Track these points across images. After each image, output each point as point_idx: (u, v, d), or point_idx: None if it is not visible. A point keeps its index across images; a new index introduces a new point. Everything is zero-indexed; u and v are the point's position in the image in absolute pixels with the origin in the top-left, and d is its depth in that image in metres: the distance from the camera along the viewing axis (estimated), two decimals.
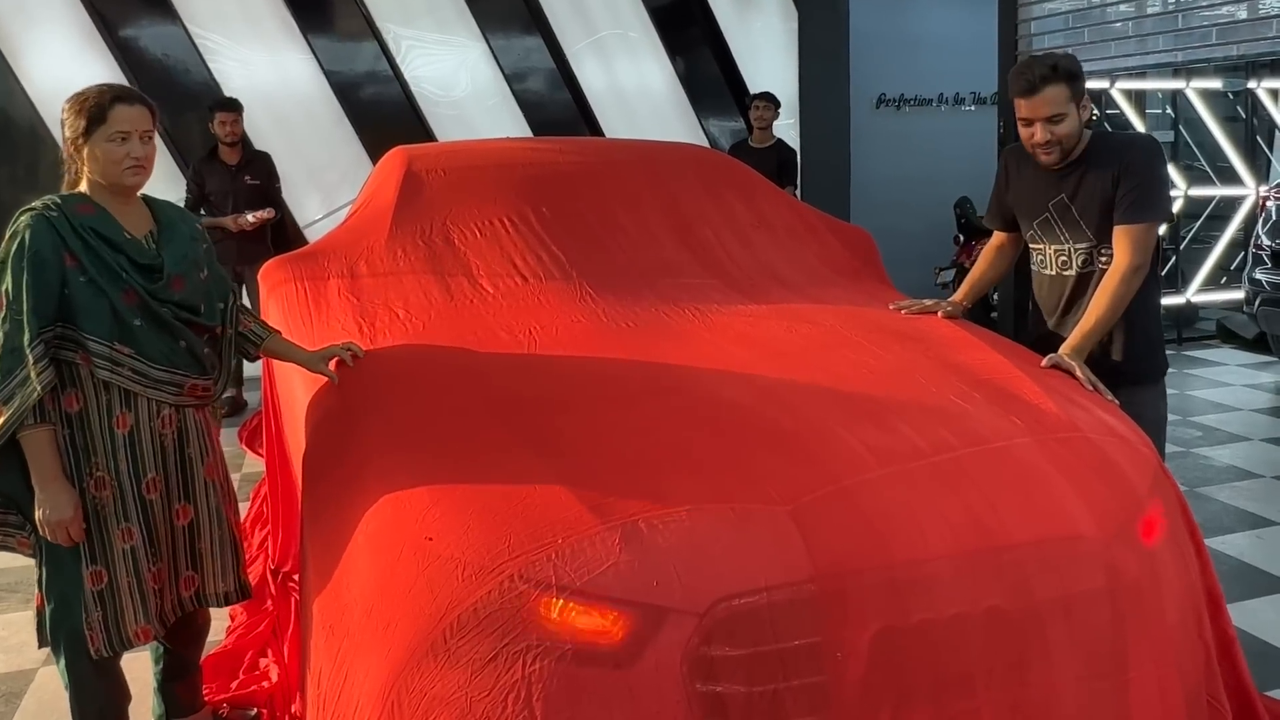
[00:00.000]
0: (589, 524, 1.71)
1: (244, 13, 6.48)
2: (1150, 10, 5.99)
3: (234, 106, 5.63)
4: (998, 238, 2.98)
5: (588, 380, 2.22)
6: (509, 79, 7.08)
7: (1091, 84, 6.61)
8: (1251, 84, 7.98)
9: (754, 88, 7.64)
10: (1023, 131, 2.63)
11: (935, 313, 2.86)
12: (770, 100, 6.34)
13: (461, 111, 6.92)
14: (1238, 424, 5.37)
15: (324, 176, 6.67)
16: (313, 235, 6.47)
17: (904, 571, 1.73)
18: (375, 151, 6.55)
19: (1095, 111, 6.95)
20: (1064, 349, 2.54)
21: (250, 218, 5.52)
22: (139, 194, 2.26)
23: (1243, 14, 5.42)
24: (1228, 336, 7.35)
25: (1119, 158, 2.58)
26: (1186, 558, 2.07)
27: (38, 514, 2.10)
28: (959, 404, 2.15)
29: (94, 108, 2.12)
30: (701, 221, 3.34)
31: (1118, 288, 2.55)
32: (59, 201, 2.13)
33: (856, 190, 7.69)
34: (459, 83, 6.98)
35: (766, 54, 7.67)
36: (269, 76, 6.55)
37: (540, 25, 7.12)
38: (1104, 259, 2.63)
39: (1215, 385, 6.19)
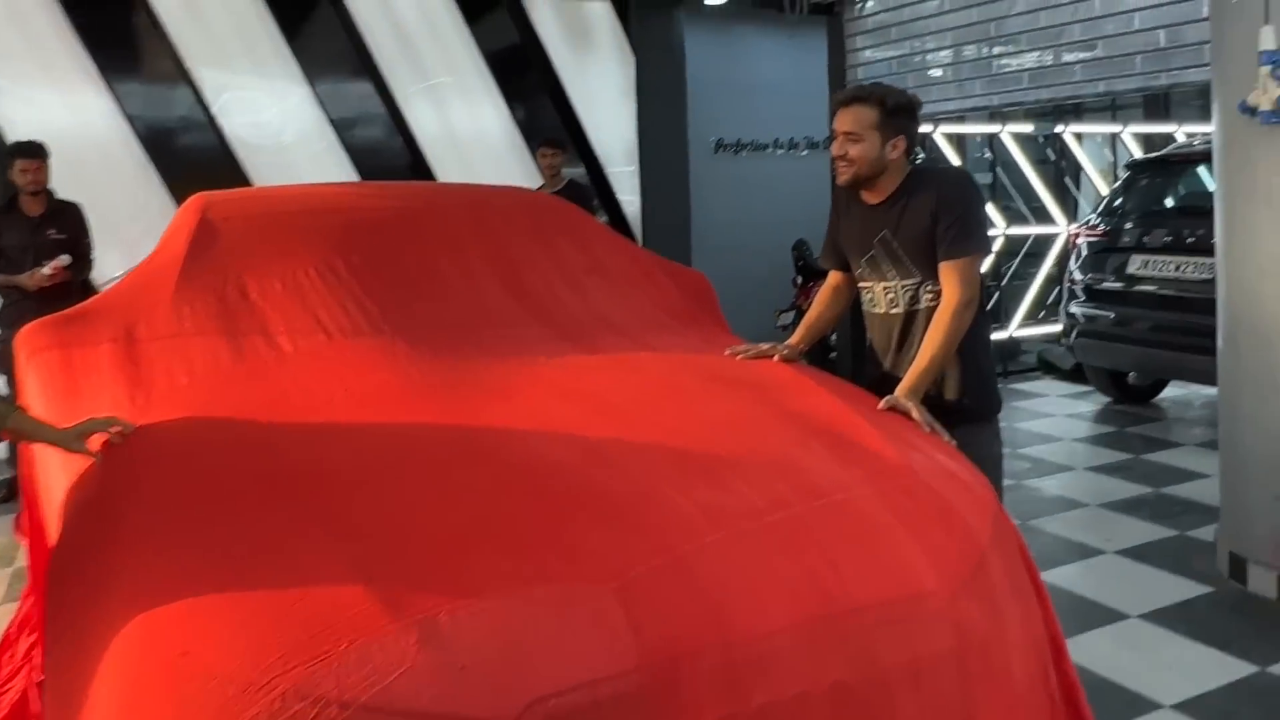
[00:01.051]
0: (380, 623, 1.46)
1: (32, 50, 5.92)
2: (967, 57, 6.27)
3: (36, 153, 5.07)
4: (833, 278, 2.92)
5: (393, 448, 1.97)
6: (336, 125, 6.74)
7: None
8: (1060, 128, 8.50)
9: (593, 133, 7.59)
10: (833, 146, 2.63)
11: (772, 357, 2.75)
12: (556, 145, 6.23)
13: (284, 159, 6.52)
14: (1063, 454, 5.56)
15: (127, 230, 6.12)
16: None
17: (742, 650, 1.56)
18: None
19: (920, 154, 7.22)
20: (899, 390, 2.47)
21: (46, 270, 4.98)
22: None
23: (1049, 60, 5.73)
24: (1048, 368, 7.71)
25: (933, 191, 2.57)
26: (1029, 606, 1.99)
27: None
28: (797, 455, 2.02)
29: None
30: (531, 268, 3.15)
31: (949, 324, 2.51)
32: None
33: (697, 235, 7.70)
34: (282, 129, 6.59)
35: (604, 99, 7.63)
36: (62, 120, 5.98)
37: (369, 70, 6.84)
38: (929, 295, 2.60)
39: (1039, 416, 6.44)
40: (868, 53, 6.75)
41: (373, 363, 2.46)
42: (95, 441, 2.12)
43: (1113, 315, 6.02)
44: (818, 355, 6.56)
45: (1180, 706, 2.84)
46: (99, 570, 1.73)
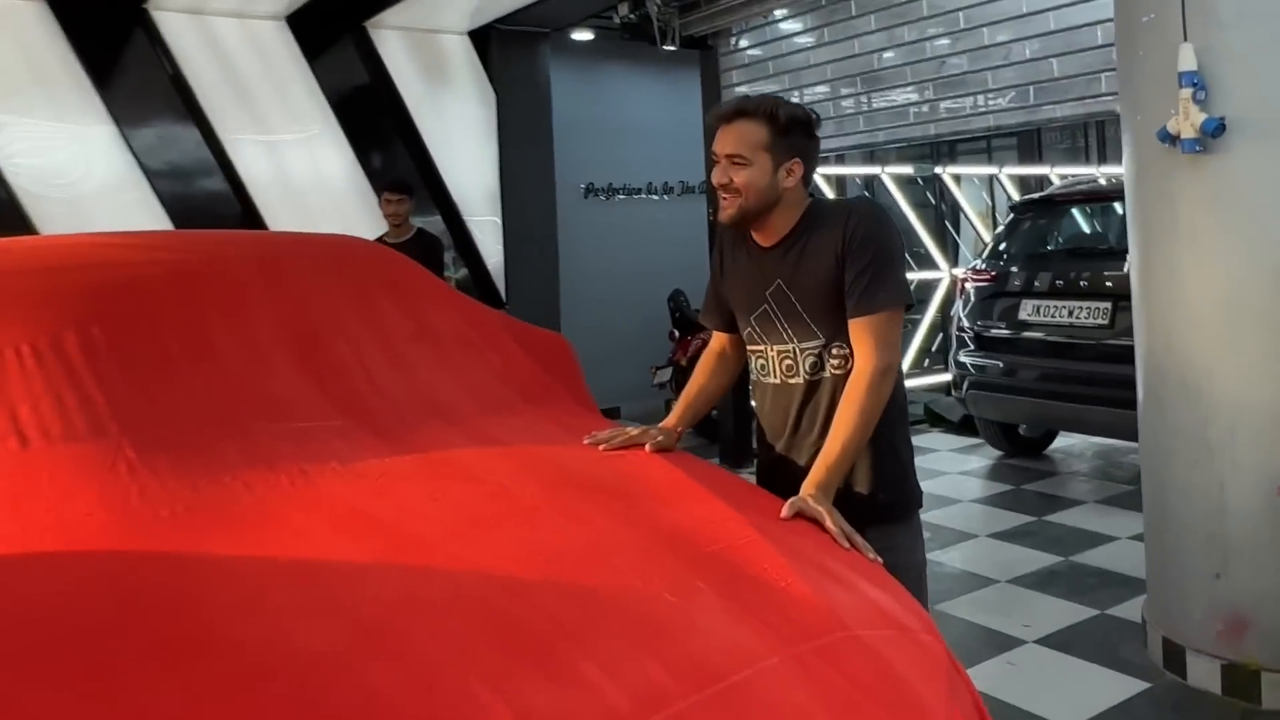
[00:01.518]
0: None
1: None
2: (844, 93, 5.93)
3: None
4: (718, 341, 2.35)
5: (66, 633, 1.26)
6: (149, 171, 5.88)
7: None
8: (939, 169, 8.34)
9: (450, 178, 6.93)
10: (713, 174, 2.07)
11: (643, 445, 2.16)
12: (400, 190, 5.38)
13: (82, 209, 5.62)
14: (961, 519, 5.15)
15: None
16: None
17: None
18: None
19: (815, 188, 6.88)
20: (806, 487, 1.91)
21: None
22: None
23: (930, 93, 5.42)
24: (935, 420, 7.37)
25: (838, 228, 2.02)
26: None
27: None
28: (678, 608, 1.42)
29: None
30: (338, 338, 2.47)
31: (864, 399, 1.97)
32: None
33: (566, 288, 7.10)
34: (80, 174, 5.69)
35: (463, 141, 6.98)
36: None
37: (191, 109, 6.02)
38: (835, 361, 2.06)
39: (933, 475, 6.02)
40: (742, 89, 6.35)
41: (81, 481, 1.73)
42: None
43: (1002, 364, 5.71)
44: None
45: None
46: None
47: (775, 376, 2.14)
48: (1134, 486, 4.91)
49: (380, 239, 5.32)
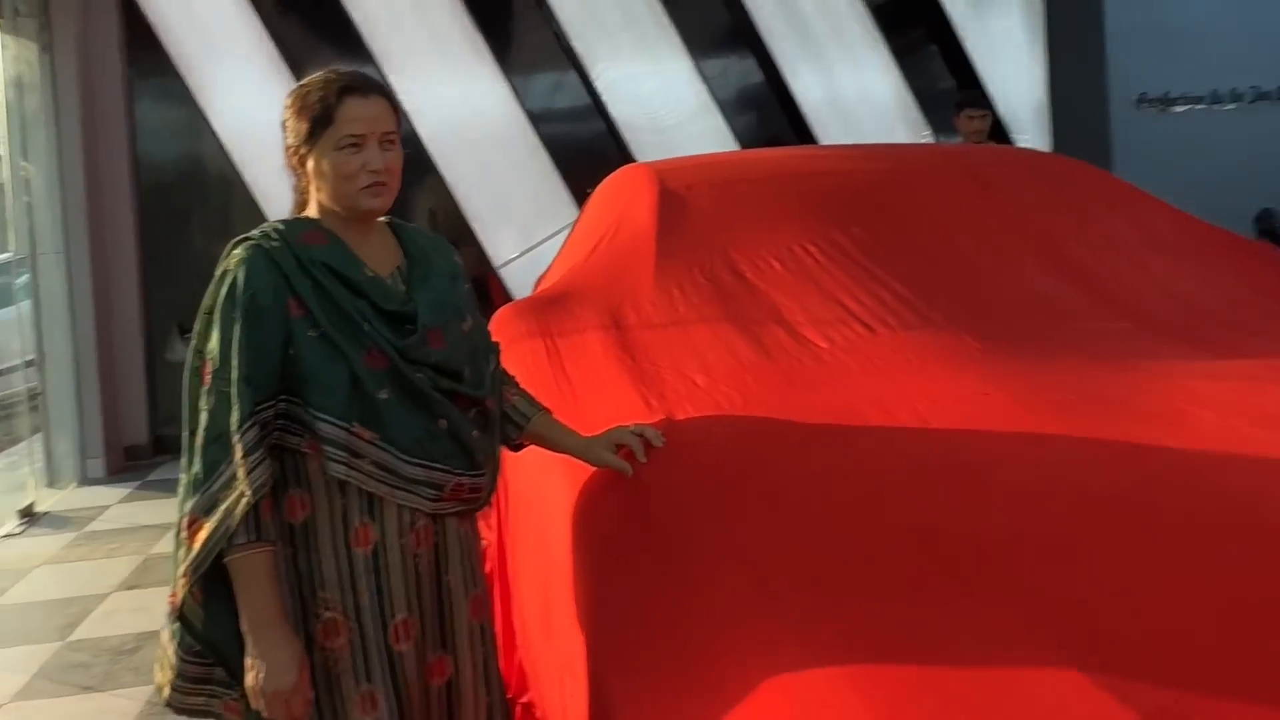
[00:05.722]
0: None
1: (434, 42, 6.04)
2: None
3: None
4: None
5: (1081, 500, 1.35)
6: (718, 100, 6.35)
7: None
8: None
9: (995, 91, 6.62)
10: None
11: None
12: (982, 106, 4.72)
13: (665, 135, 6.23)
14: None
15: (520, 211, 6.12)
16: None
17: None
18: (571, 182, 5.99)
19: None
20: None
21: None
22: (383, 219, 1.58)
23: None
24: None
25: None
26: None
27: (247, 678, 1.43)
28: None
29: (318, 104, 1.47)
30: (1076, 244, 2.42)
31: None
32: (281, 229, 1.49)
33: None
34: (664, 106, 6.31)
35: (1007, 53, 6.63)
36: (458, 108, 6.05)
37: (750, 40, 6.38)
38: None
39: None
40: None
41: (945, 366, 1.86)
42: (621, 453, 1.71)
43: None
44: None
45: None
46: (700, 660, 1.25)
47: None
48: None
49: None
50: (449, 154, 6.00)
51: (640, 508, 1.62)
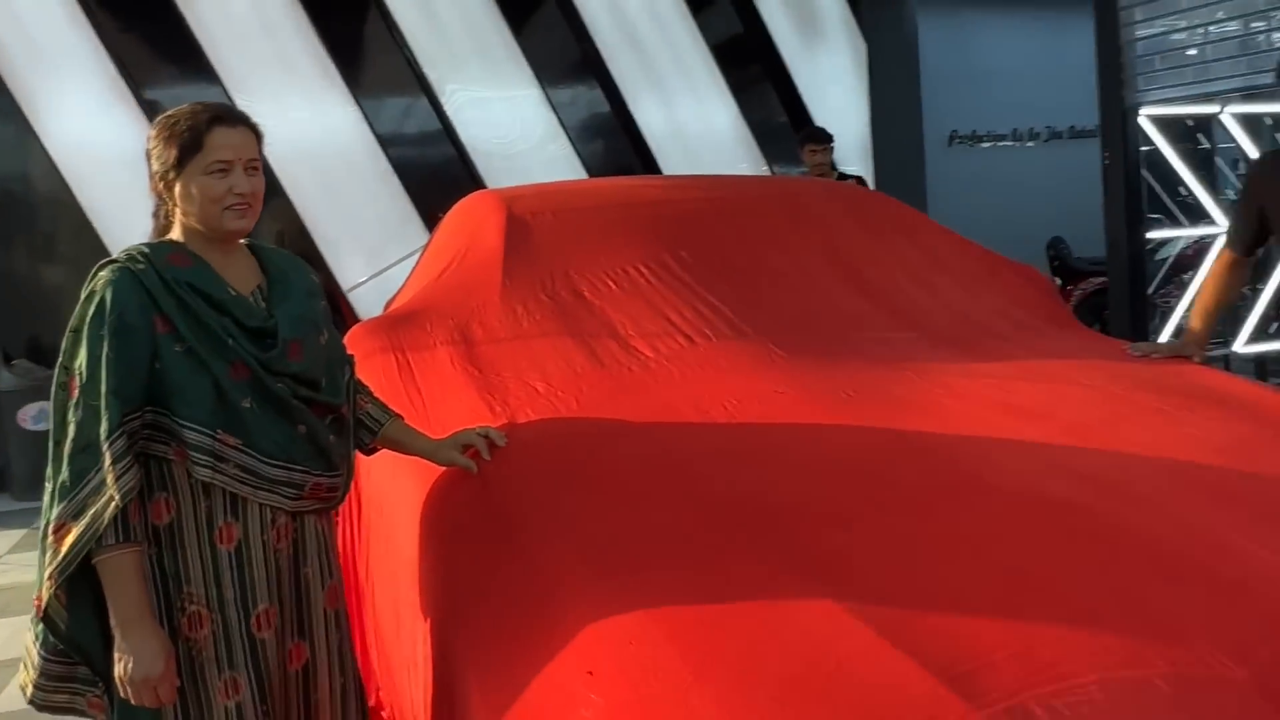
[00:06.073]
0: (955, 708, 1.11)
1: (283, 64, 6.05)
2: (1257, 26, 5.46)
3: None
4: (1227, 257, 2.53)
5: (847, 475, 1.63)
6: (566, 127, 6.61)
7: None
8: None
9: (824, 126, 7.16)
10: None
11: (1189, 357, 2.32)
12: (823, 139, 5.14)
13: (514, 160, 6.43)
14: None
15: (368, 236, 6.18)
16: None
17: None
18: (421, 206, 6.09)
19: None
20: None
21: None
22: (243, 241, 1.72)
23: None
24: None
25: None
26: None
27: (117, 668, 1.54)
28: None
29: (188, 132, 1.60)
30: (873, 265, 2.77)
31: None
32: (146, 252, 1.60)
33: None
34: (513, 132, 6.51)
35: (835, 92, 7.20)
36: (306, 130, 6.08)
37: (597, 71, 6.68)
38: None
39: None
40: (1142, 28, 6.02)
41: (752, 370, 2.14)
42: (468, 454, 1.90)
43: None
44: None
45: None
46: (535, 619, 1.46)
47: None
48: None
49: None
50: (297, 176, 6.01)
51: (484, 500, 1.80)
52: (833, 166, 5.03)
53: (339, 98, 6.15)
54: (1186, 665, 1.17)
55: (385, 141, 6.23)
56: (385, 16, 6.24)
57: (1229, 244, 2.56)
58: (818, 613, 1.28)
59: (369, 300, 5.77)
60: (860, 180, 5.15)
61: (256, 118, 1.71)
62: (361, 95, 6.18)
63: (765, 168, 7.05)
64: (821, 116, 7.12)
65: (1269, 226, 2.43)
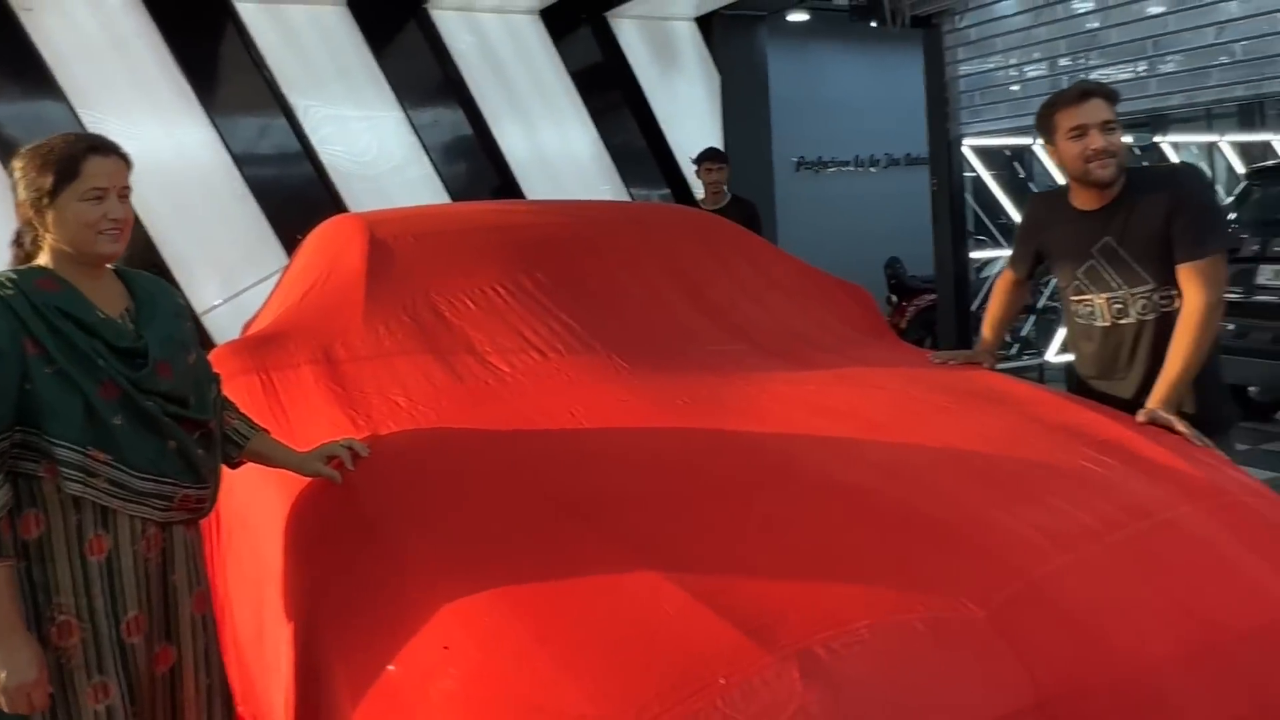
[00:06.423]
0: (753, 654, 1.34)
1: (133, 81, 5.93)
2: (1064, 68, 6.12)
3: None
4: (1010, 277, 2.85)
5: (675, 469, 1.85)
6: (428, 149, 6.70)
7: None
8: (1157, 138, 8.33)
9: (681, 153, 7.51)
10: (1073, 146, 2.45)
11: (981, 364, 2.67)
12: (720, 158, 5.28)
13: (377, 183, 6.48)
14: None
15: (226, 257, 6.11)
16: None
17: (1134, 685, 1.42)
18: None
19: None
20: (1153, 402, 2.32)
21: None
22: (110, 266, 1.81)
23: (1152, 68, 5.59)
24: None
25: (1165, 188, 2.44)
26: None
27: None
28: (1097, 471, 1.88)
29: (63, 160, 1.68)
30: (713, 285, 3.03)
31: (1198, 330, 2.37)
32: (15, 278, 1.68)
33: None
34: (377, 156, 6.56)
35: (691, 120, 7.56)
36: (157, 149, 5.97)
37: (459, 94, 6.81)
38: (1164, 301, 2.46)
39: None
40: (965, 65, 6.63)
41: (599, 380, 2.35)
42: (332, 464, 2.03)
43: (1235, 327, 5.83)
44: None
45: None
46: (392, 597, 1.61)
47: (1105, 319, 2.55)
48: None
49: (697, 206, 5.62)
50: (147, 196, 5.86)
51: (348, 507, 1.94)
52: (726, 189, 5.17)
53: (193, 117, 6.06)
54: (939, 610, 1.43)
55: (241, 161, 6.17)
56: (242, 34, 6.20)
57: (1012, 266, 2.90)
58: (644, 583, 1.49)
59: (224, 324, 5.67)
60: (753, 205, 5.21)
61: (103, 134, 1.81)
62: (217, 114, 6.11)
63: (625, 192, 7.32)
64: (678, 142, 7.47)
65: (1044, 259, 2.78)
